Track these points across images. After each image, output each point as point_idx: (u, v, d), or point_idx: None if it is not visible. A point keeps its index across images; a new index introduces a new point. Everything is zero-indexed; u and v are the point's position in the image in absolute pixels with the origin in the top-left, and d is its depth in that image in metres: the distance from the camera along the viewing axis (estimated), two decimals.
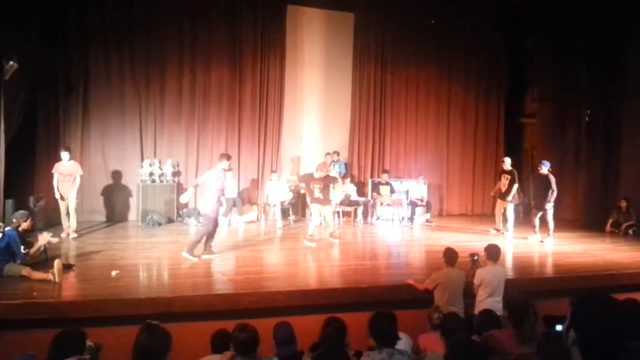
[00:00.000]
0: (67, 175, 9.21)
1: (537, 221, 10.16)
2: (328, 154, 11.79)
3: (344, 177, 11.92)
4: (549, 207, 9.93)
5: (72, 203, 9.26)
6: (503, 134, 14.00)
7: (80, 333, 3.64)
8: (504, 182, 10.71)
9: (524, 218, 12.44)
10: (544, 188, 9.99)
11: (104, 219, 10.98)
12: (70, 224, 9.29)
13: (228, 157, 8.31)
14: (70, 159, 9.36)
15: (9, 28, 8.69)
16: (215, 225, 8.25)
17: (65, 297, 6.10)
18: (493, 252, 6.31)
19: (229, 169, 8.73)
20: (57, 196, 9.23)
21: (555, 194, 9.87)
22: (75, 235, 9.26)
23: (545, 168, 10.00)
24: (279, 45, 12.12)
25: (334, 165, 11.50)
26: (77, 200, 9.44)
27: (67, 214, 9.31)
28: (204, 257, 8.06)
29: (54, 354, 3.41)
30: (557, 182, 10.00)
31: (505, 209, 10.75)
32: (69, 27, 10.68)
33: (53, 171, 9.26)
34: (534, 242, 10.04)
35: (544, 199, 9.93)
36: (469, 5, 13.10)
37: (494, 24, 13.65)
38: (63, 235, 9.12)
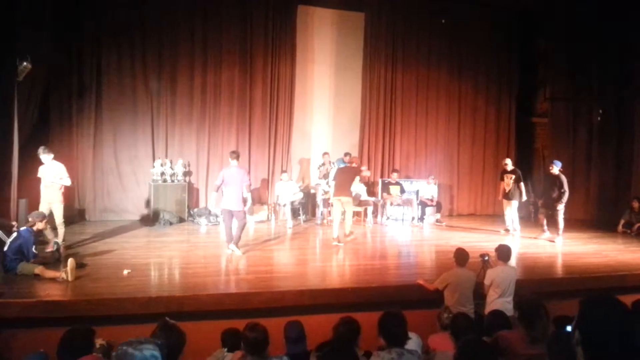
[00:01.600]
0: (50, 180, 8.11)
1: (544, 220, 10.09)
2: (325, 153, 11.87)
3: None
4: (561, 207, 9.88)
5: (57, 211, 8.14)
6: (514, 134, 13.91)
7: (89, 331, 3.64)
8: (508, 181, 10.65)
9: (535, 217, 12.39)
10: (553, 188, 9.94)
11: (116, 218, 11.05)
12: (59, 234, 8.14)
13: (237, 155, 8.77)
14: (54, 159, 8.25)
15: (23, 29, 8.77)
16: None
17: (77, 296, 6.15)
18: (503, 253, 6.29)
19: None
20: (43, 207, 8.01)
21: (567, 194, 9.82)
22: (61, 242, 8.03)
23: (556, 168, 9.95)
24: (290, 46, 12.14)
25: (332, 165, 11.49)
26: (62, 207, 8.21)
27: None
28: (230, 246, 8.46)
29: (62, 352, 3.43)
30: (568, 182, 9.95)
31: (510, 208, 10.71)
32: (83, 27, 10.77)
33: (39, 175, 8.21)
34: (544, 242, 9.98)
35: (554, 198, 9.89)
36: (480, 5, 13.04)
37: (506, 23, 13.59)
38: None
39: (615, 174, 12.23)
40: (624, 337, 1.83)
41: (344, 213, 9.43)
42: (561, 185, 9.83)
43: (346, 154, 11.75)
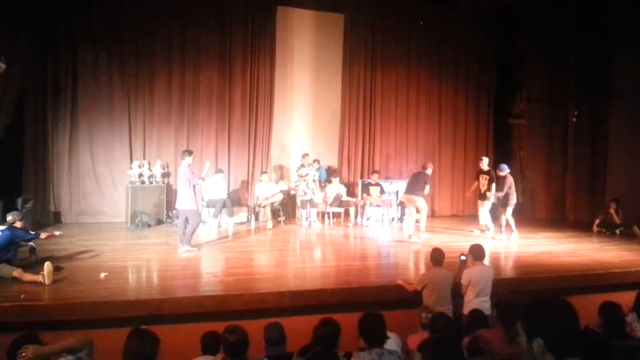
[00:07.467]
0: None
1: (503, 220, 10.40)
2: (305, 155, 11.46)
3: (327, 180, 11.96)
4: (507, 206, 10.28)
5: None
6: (492, 135, 14.07)
7: (35, 339, 3.51)
8: (483, 182, 10.78)
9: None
10: (502, 189, 10.34)
11: (92, 220, 10.90)
12: None
13: (190, 153, 8.81)
14: None
15: None
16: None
17: (54, 300, 6.05)
18: (477, 252, 6.32)
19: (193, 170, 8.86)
20: None
21: (512, 195, 10.29)
22: None
23: (503, 172, 10.36)
24: (269, 47, 12.10)
25: (311, 167, 11.32)
26: None
27: None
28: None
29: None
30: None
31: (483, 208, 10.84)
32: (58, 28, 10.60)
33: None
34: (520, 240, 10.11)
35: (505, 199, 10.33)
36: (459, 7, 13.17)
37: (484, 25, 13.74)
38: None
39: (590, 175, 12.42)
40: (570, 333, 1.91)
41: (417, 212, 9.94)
42: (509, 186, 10.30)
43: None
